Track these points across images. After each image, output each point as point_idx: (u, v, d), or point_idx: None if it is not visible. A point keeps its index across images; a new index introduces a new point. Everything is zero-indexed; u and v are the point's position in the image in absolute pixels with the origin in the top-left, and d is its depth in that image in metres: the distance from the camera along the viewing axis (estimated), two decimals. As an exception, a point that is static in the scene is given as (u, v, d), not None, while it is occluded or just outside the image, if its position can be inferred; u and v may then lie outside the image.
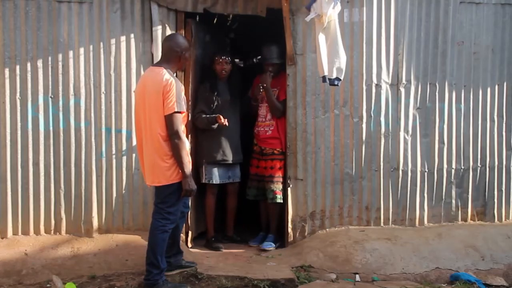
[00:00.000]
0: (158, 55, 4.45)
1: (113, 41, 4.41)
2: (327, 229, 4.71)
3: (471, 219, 4.98)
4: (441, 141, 4.88)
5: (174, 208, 3.63)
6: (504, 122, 5.03)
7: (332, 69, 4.03)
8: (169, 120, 3.46)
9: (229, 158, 4.75)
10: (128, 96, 4.45)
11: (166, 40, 3.79)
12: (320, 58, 4.04)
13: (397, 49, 4.75)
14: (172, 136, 3.47)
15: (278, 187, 4.71)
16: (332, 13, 3.95)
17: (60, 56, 4.33)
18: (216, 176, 4.71)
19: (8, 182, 4.28)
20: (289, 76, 4.66)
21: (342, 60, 4.03)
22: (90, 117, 4.40)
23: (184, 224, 4.21)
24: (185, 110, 3.59)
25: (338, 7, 4.02)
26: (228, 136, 4.72)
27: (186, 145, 3.60)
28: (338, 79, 4.07)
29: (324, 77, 4.10)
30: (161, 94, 3.46)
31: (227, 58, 4.75)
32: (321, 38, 4.02)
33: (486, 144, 4.99)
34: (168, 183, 3.55)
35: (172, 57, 3.64)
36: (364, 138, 4.73)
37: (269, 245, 4.69)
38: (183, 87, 3.64)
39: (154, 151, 3.53)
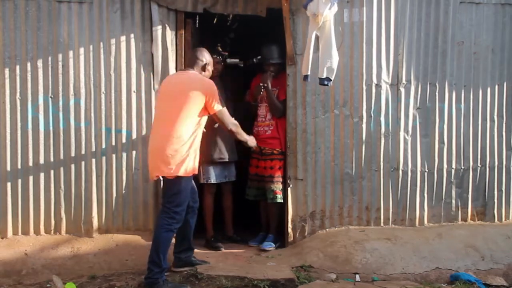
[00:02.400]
0: (158, 55, 4.46)
1: (113, 41, 4.41)
2: (327, 229, 4.71)
3: (471, 219, 4.98)
4: (441, 141, 4.88)
5: (180, 208, 3.70)
6: (504, 122, 5.03)
7: (323, 69, 4.02)
8: (220, 116, 3.87)
9: (226, 156, 4.79)
10: (128, 96, 4.45)
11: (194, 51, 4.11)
12: (307, 57, 4.04)
13: (397, 49, 4.75)
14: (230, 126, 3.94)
15: (278, 187, 4.71)
16: (328, 14, 3.94)
17: (60, 56, 4.33)
18: (213, 175, 4.74)
19: (8, 182, 4.28)
20: (289, 76, 4.66)
21: (334, 60, 4.02)
22: (90, 117, 4.40)
23: (195, 221, 4.13)
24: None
25: (335, 8, 4.01)
26: (223, 135, 4.71)
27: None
28: (328, 79, 4.06)
29: (306, 76, 4.11)
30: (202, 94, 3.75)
31: (218, 57, 4.78)
32: (312, 37, 4.02)
33: (486, 144, 4.99)
34: (179, 175, 3.65)
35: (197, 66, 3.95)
36: (364, 138, 4.73)
37: (269, 245, 4.69)
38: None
39: (180, 142, 3.65)
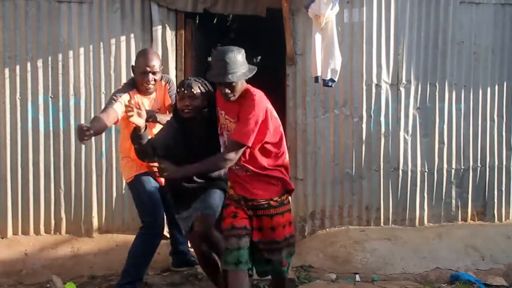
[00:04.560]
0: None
1: (113, 41, 4.41)
2: (327, 229, 4.72)
3: (471, 219, 4.98)
4: (441, 141, 4.88)
5: (148, 218, 3.45)
6: (504, 122, 5.02)
7: (327, 70, 4.03)
8: None
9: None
10: (128, 96, 4.45)
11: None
12: (315, 59, 4.05)
13: (397, 49, 4.75)
14: None
15: (288, 252, 3.01)
16: (330, 14, 3.95)
17: (60, 56, 4.33)
18: None
19: (8, 182, 4.28)
20: (289, 76, 4.66)
21: (337, 61, 4.02)
22: (90, 117, 4.39)
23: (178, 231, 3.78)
24: None
25: (337, 8, 4.02)
26: None
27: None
28: (332, 80, 4.06)
29: (316, 78, 4.11)
30: None
31: (191, 90, 2.94)
32: (317, 38, 4.03)
33: (486, 144, 4.99)
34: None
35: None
36: (364, 138, 4.73)
37: None
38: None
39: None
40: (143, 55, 3.39)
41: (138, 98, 3.35)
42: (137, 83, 3.37)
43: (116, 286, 3.51)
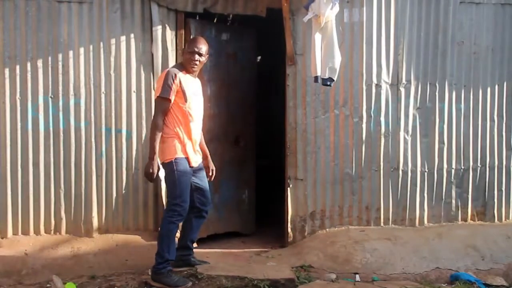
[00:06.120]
0: (158, 55, 4.46)
1: (113, 41, 4.41)
2: (327, 229, 4.72)
3: (471, 219, 4.98)
4: (441, 141, 4.88)
5: (179, 199, 3.67)
6: (504, 122, 5.02)
7: (325, 69, 4.03)
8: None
9: None
10: (128, 96, 4.45)
11: None
12: (314, 58, 4.05)
13: (397, 49, 4.75)
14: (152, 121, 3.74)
15: None
16: (329, 14, 3.95)
17: (60, 56, 4.33)
18: None
19: (8, 182, 4.28)
20: (289, 76, 4.66)
21: (336, 60, 4.02)
22: (90, 117, 4.40)
23: (200, 224, 4.03)
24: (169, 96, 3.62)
25: (336, 8, 4.02)
26: None
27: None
28: (331, 79, 4.07)
29: (316, 77, 4.11)
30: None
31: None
32: (317, 38, 4.03)
33: (486, 144, 4.99)
34: (163, 161, 3.72)
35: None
36: (364, 138, 4.73)
37: None
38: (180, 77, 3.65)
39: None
40: (194, 39, 3.92)
41: (185, 77, 3.72)
42: (185, 62, 3.77)
43: (151, 270, 3.67)
